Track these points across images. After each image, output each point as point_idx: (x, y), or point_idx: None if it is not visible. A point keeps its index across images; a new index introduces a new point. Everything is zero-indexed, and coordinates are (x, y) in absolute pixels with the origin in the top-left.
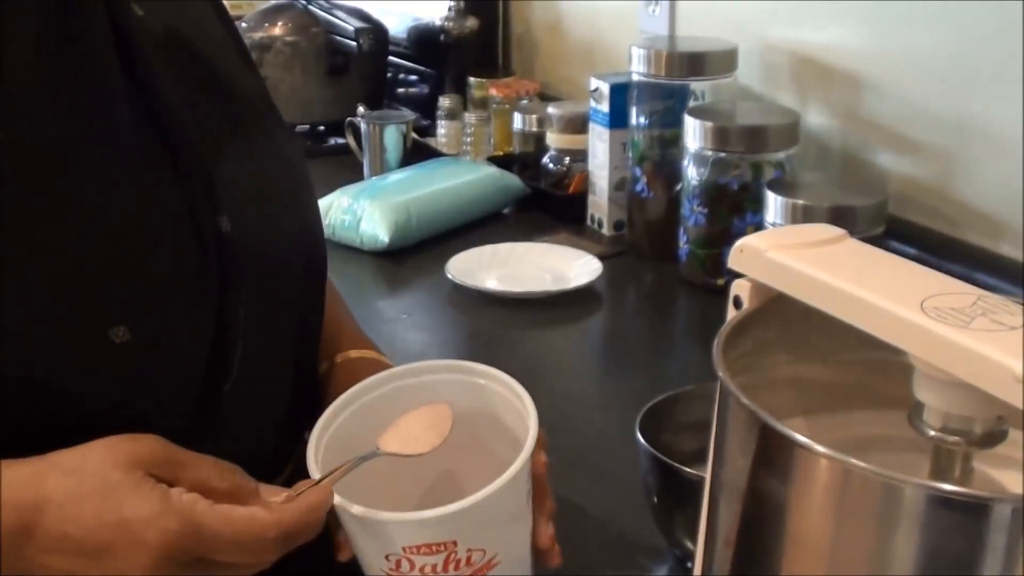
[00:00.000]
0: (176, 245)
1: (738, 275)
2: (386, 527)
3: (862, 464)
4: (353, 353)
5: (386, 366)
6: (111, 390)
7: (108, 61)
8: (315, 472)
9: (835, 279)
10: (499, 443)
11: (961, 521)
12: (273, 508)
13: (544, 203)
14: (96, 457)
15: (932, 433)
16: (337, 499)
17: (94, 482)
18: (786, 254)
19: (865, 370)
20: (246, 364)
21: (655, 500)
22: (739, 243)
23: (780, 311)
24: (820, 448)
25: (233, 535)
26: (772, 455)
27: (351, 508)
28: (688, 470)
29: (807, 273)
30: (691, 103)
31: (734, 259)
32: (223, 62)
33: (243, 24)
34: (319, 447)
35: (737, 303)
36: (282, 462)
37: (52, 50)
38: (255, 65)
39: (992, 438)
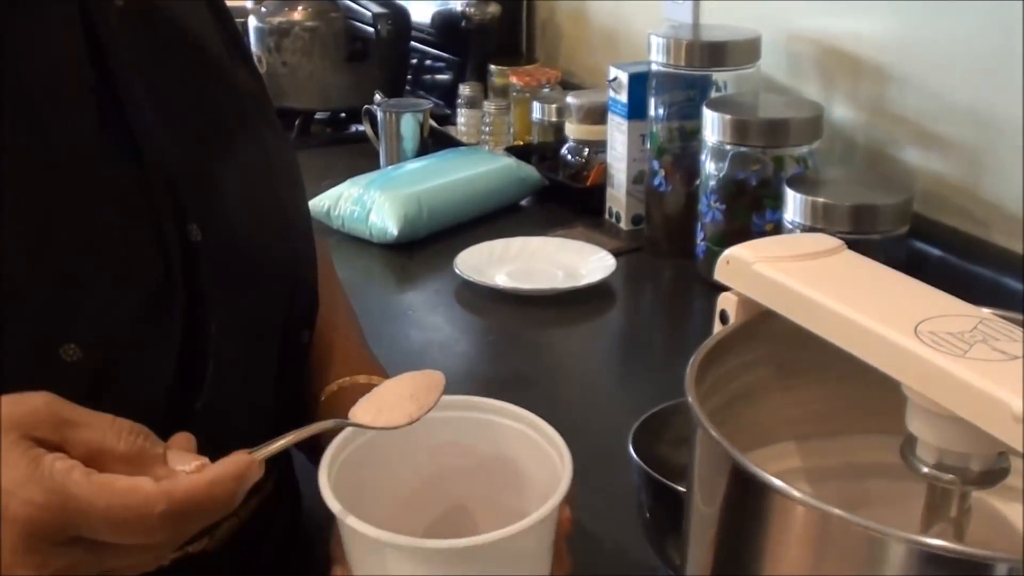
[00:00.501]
0: (136, 255)
1: (726, 288)
2: (409, 554)
3: (841, 513)
4: (362, 379)
5: None
6: None
7: (75, 54)
8: (333, 504)
9: (824, 297)
10: (515, 493)
11: None
12: (167, 479)
13: (562, 195)
14: None
15: (925, 470)
16: (352, 520)
17: None
18: (775, 267)
19: (862, 391)
20: (219, 382)
21: (648, 517)
22: (726, 254)
23: (770, 327)
24: (796, 494)
25: (106, 509)
26: (744, 497)
27: (368, 530)
28: (680, 488)
29: (795, 289)
30: (712, 94)
31: (720, 271)
32: (211, 57)
33: (262, 9)
34: (331, 474)
35: (724, 318)
36: (261, 480)
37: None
38: (252, 61)
39: (991, 476)
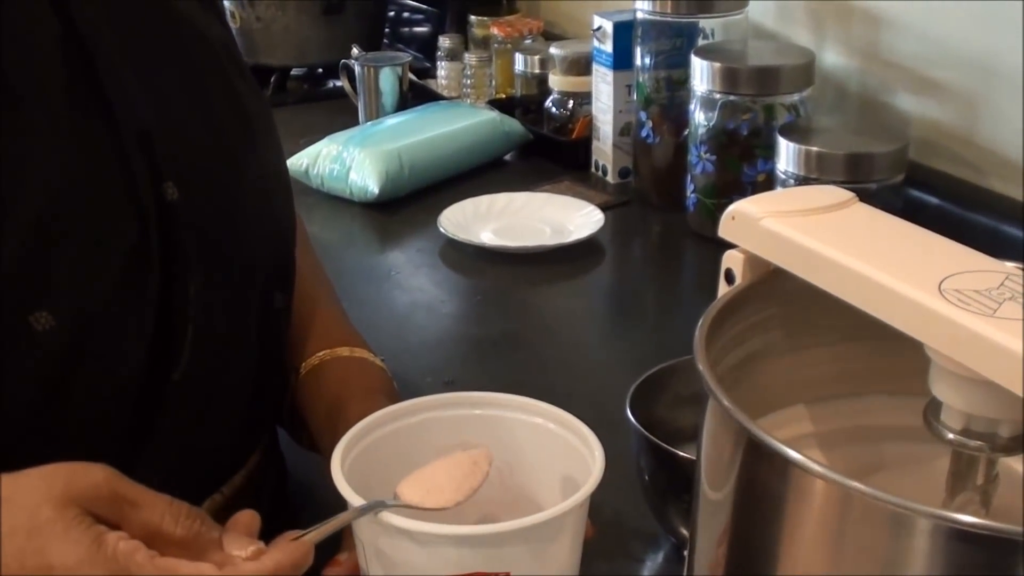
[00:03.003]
0: (108, 218)
1: (731, 245)
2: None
3: (859, 485)
4: (343, 351)
5: (379, 369)
6: (34, 384)
7: (39, 4)
8: (351, 497)
9: (839, 253)
10: (533, 490)
11: (982, 556)
12: (230, 565)
13: (547, 149)
14: (29, 487)
15: (951, 437)
16: (355, 500)
17: (21, 517)
18: (784, 222)
19: (877, 351)
20: (199, 349)
21: (647, 483)
22: (731, 209)
23: (779, 285)
24: (815, 467)
25: None
26: (758, 469)
27: (394, 519)
28: (682, 454)
29: (807, 246)
30: (700, 42)
31: (725, 227)
32: (182, 8)
33: None
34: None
35: (729, 277)
36: (244, 455)
37: None
38: (223, 14)
39: (1021, 442)
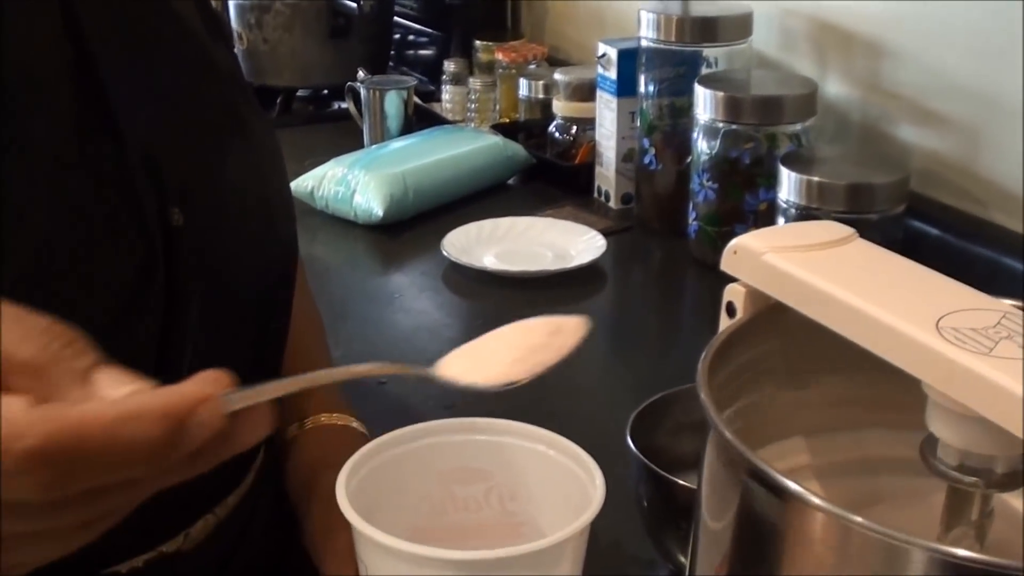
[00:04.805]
0: (116, 242)
1: (732, 276)
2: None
3: (858, 519)
4: (326, 418)
5: (359, 436)
6: None
7: (52, 28)
8: (354, 519)
9: (839, 289)
10: (534, 516)
11: None
12: (59, 403)
13: (550, 174)
14: None
15: (947, 472)
16: (359, 523)
17: None
18: (785, 257)
19: (874, 386)
20: (196, 369)
21: (646, 510)
22: (733, 243)
23: (779, 319)
24: (814, 500)
25: None
26: (758, 499)
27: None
28: (681, 482)
29: (807, 281)
30: (703, 70)
31: (727, 261)
32: (191, 34)
33: None
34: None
35: (731, 310)
36: (239, 475)
37: None
38: (231, 38)
39: (1016, 478)
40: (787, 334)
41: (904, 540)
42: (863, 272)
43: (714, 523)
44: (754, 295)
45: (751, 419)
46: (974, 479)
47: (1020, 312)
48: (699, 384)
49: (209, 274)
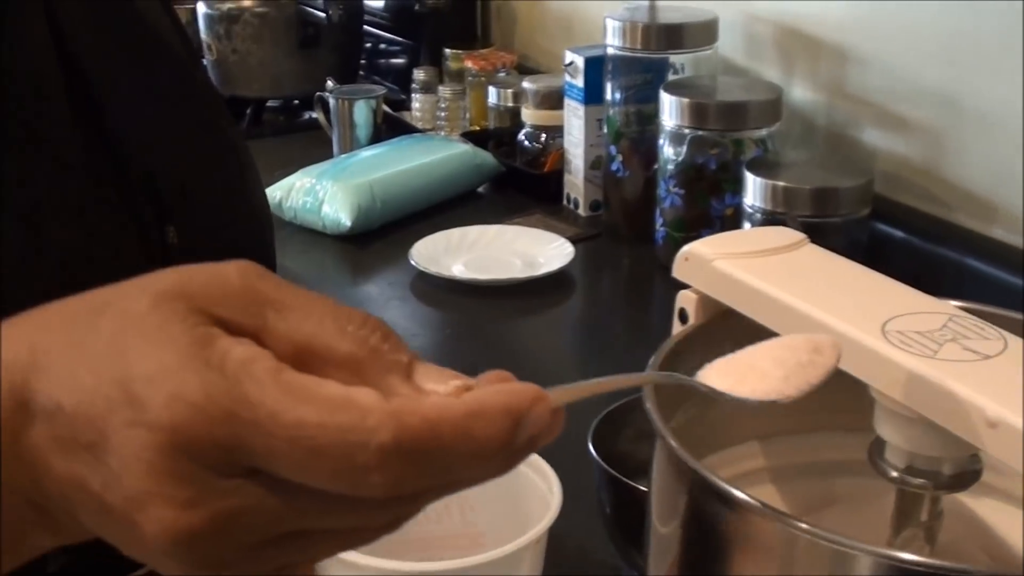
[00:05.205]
0: (124, 261)
1: (685, 285)
2: None
3: (802, 524)
4: None
5: None
6: None
7: (45, 54)
8: None
9: (786, 295)
10: (498, 525)
11: None
12: (403, 397)
13: (519, 182)
14: (133, 285)
15: (895, 475)
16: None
17: (108, 321)
18: (735, 263)
19: (829, 388)
20: None
21: (609, 516)
22: (684, 250)
23: (731, 325)
24: (756, 504)
25: (295, 426)
26: (704, 504)
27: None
28: (641, 488)
29: (756, 287)
30: (669, 77)
31: (679, 268)
32: (173, 54)
33: None
34: None
35: (683, 317)
36: None
37: None
38: (198, 56)
39: (964, 479)
40: (739, 340)
41: (848, 545)
42: (812, 277)
43: (663, 528)
44: (706, 301)
45: (705, 424)
46: (922, 481)
47: (965, 314)
48: (644, 390)
49: None
